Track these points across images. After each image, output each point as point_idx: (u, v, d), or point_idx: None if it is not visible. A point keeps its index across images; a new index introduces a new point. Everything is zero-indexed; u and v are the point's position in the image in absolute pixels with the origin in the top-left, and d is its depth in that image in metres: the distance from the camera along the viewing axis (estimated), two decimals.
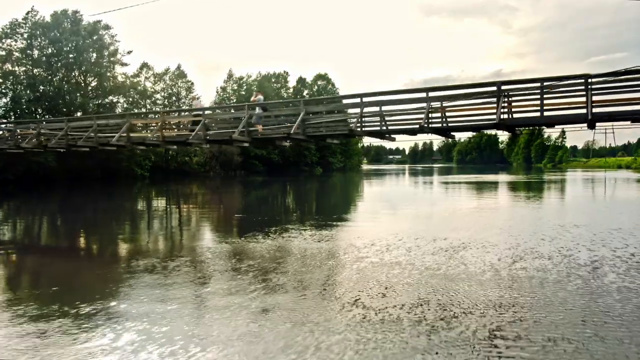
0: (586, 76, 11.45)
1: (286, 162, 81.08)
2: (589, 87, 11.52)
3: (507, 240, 14.39)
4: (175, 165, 66.31)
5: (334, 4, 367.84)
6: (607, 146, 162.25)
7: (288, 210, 26.41)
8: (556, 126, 12.70)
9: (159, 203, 32.89)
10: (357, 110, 14.67)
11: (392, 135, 15.52)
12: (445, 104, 13.56)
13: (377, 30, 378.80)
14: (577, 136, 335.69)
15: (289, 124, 15.13)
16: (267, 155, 76.19)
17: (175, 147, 19.69)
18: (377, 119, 14.72)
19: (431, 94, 13.20)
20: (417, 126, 13.08)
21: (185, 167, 67.02)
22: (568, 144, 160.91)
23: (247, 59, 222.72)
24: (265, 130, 16.50)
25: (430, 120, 13.44)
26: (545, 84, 11.96)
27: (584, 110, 11.69)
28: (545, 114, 12.17)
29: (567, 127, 13.23)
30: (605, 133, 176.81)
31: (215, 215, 25.01)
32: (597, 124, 12.43)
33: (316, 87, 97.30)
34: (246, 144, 17.73)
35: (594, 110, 11.63)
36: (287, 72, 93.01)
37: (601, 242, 13.87)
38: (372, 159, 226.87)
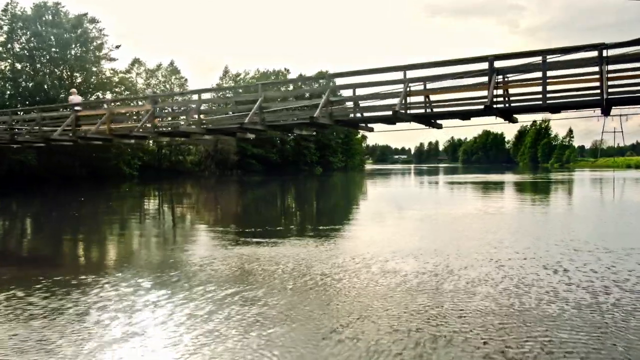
0: (600, 46, 9.04)
1: (285, 161, 78.80)
2: (604, 61, 9.13)
3: (499, 273, 9.84)
4: (168, 164, 64.28)
5: (336, 3, 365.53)
6: (616, 146, 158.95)
7: (264, 219, 23.88)
8: (562, 112, 10.28)
9: (135, 205, 30.60)
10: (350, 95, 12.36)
11: (370, 125, 13.26)
12: (429, 86, 11.23)
13: (380, 29, 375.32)
14: (584, 135, 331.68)
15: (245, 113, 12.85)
16: (264, 154, 74.01)
17: (132, 141, 17.45)
18: (351, 104, 12.45)
19: (410, 73, 10.85)
20: (391, 112, 10.63)
21: (179, 167, 65.05)
22: (575, 143, 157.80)
23: (247, 57, 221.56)
24: (224, 121, 14.39)
25: (410, 106, 11.12)
26: (548, 59, 9.59)
27: (597, 91, 9.35)
28: (549, 96, 9.84)
29: (576, 113, 10.71)
30: (614, 132, 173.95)
31: (188, 223, 22.85)
32: (613, 109, 10.11)
33: (317, 85, 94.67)
34: (207, 137, 15.47)
35: (610, 90, 9.28)
36: (287, 70, 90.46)
37: (635, 279, 9.32)
38: (377, 158, 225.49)
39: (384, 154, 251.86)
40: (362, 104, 12.28)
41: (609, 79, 9.20)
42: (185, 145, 65.79)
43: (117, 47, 55.35)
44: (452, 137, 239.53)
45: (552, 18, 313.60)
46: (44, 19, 47.75)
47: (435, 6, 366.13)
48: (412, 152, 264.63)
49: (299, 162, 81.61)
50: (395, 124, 11.72)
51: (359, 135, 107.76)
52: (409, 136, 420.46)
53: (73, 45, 50.13)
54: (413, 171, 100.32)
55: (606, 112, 9.99)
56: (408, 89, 10.71)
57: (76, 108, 15.90)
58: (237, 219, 22.14)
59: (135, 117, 16.59)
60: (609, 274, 9.78)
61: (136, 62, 63.92)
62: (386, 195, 37.90)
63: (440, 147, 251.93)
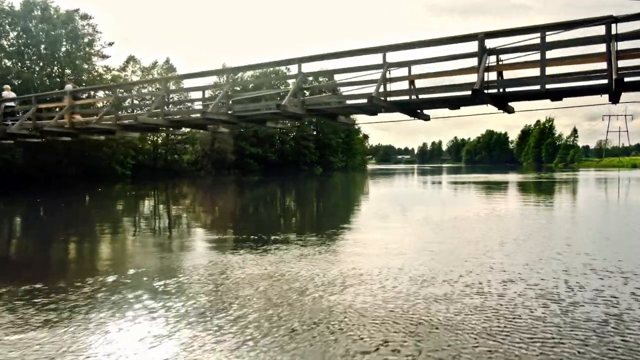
0: (609, 20, 7.70)
1: (285, 161, 77.56)
2: (613, 38, 7.79)
3: (480, 310, 7.09)
4: (163, 163, 63.18)
5: (333, 2, 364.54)
6: (621, 145, 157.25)
7: (252, 225, 22.37)
8: (564, 98, 8.95)
9: (117, 206, 29.13)
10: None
11: (352, 117, 11.98)
12: (414, 71, 9.92)
13: (377, 28, 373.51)
14: (588, 135, 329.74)
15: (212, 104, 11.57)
16: (263, 154, 72.81)
17: (103, 137, 16.22)
18: (329, 92, 11.17)
19: (390, 57, 9.54)
20: (366, 100, 9.28)
21: (174, 166, 63.88)
22: (580, 143, 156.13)
23: (244, 55, 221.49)
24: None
25: (392, 93, 9.82)
26: (547, 37, 8.27)
27: (604, 73, 8.03)
28: (549, 79, 8.53)
29: (579, 99, 9.37)
30: (619, 131, 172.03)
31: (155, 228, 21.62)
32: (622, 96, 8.79)
33: (317, 84, 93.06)
34: (182, 130, 14.24)
35: (620, 72, 7.93)
36: (288, 69, 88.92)
37: None
38: (380, 158, 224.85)
39: (387, 154, 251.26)
40: (343, 92, 11.06)
41: (618, 59, 7.88)
42: (181, 144, 64.66)
43: (110, 44, 54.12)
44: (456, 137, 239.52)
45: (553, 17, 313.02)
46: (33, 14, 46.60)
47: (434, 5, 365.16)
48: (416, 152, 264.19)
49: (299, 161, 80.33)
50: (376, 114, 10.39)
51: (360, 135, 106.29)
52: (412, 136, 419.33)
53: (63, 42, 48.92)
54: (416, 171, 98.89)
55: (615, 99, 8.65)
56: (388, 74, 9.42)
57: (12, 104, 14.90)
58: (225, 224, 20.72)
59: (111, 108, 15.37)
60: (637, 309, 7.13)
61: (131, 59, 62.71)
62: (384, 196, 36.44)
63: (444, 147, 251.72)
